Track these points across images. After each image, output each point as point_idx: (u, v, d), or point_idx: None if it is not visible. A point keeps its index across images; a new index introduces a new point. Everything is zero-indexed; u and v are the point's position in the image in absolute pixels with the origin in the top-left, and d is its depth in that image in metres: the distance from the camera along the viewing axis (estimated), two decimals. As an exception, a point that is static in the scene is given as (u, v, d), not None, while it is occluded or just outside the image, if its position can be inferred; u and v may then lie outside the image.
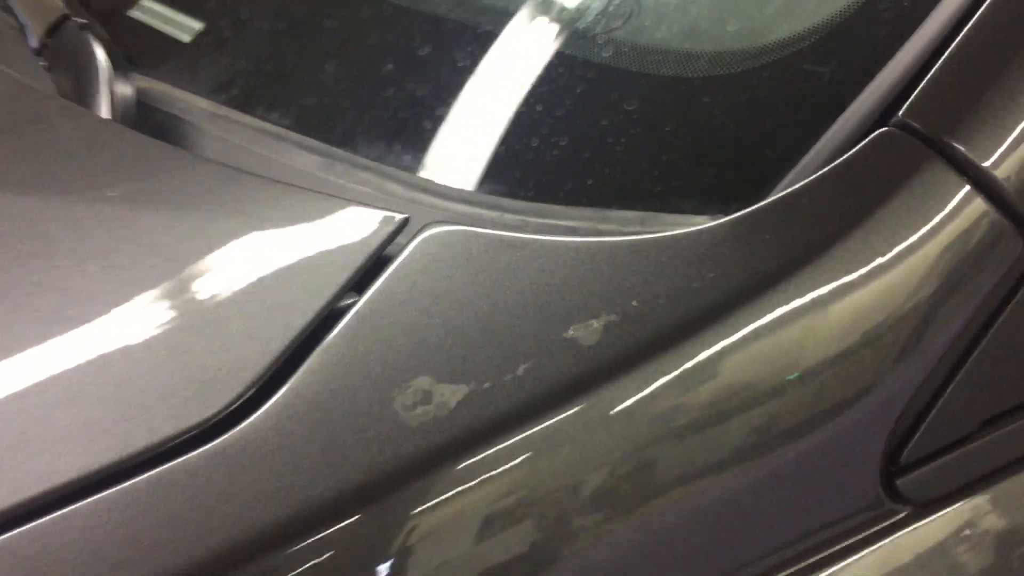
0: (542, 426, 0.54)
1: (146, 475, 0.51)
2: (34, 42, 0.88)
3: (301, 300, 0.57)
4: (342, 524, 0.51)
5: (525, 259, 0.58)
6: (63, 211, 0.65)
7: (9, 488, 0.50)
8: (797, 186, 0.60)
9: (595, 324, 0.56)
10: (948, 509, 0.65)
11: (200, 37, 0.91)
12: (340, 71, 0.81)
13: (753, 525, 0.59)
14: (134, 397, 0.53)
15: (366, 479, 0.51)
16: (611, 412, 0.55)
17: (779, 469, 0.58)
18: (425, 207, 0.68)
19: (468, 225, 0.60)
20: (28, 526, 0.49)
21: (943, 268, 0.60)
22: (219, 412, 0.52)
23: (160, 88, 0.85)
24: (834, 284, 0.58)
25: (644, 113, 0.69)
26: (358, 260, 0.58)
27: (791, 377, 0.57)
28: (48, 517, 0.49)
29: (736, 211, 0.60)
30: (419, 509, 0.52)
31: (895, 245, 0.59)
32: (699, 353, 0.56)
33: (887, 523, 0.63)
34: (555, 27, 0.76)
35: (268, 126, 0.79)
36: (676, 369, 0.56)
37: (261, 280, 0.59)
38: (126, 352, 0.56)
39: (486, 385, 0.54)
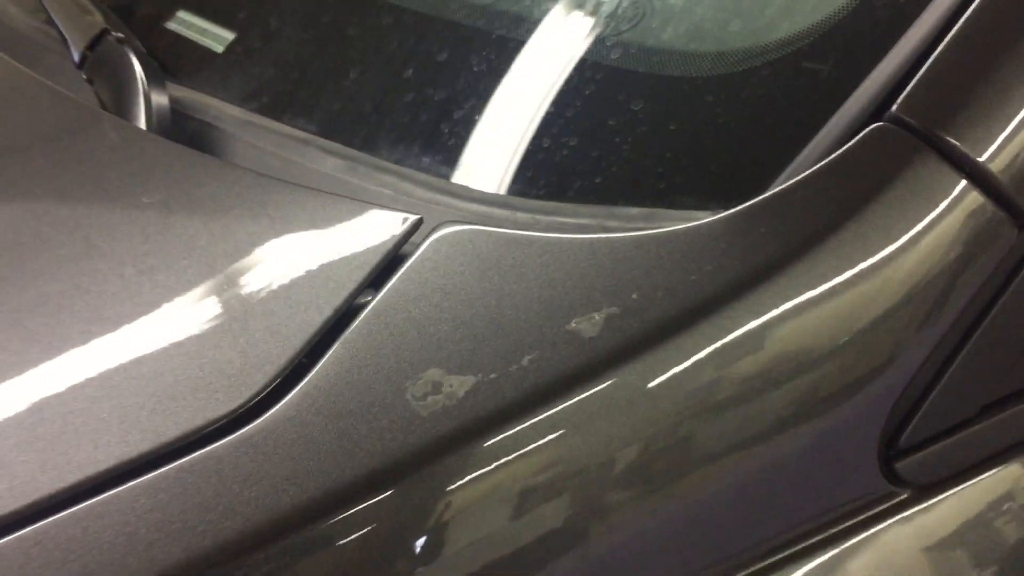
0: (546, 414, 0.57)
1: (177, 463, 0.55)
2: (76, 56, 0.92)
3: (321, 298, 0.60)
4: (357, 508, 0.54)
5: (531, 256, 0.61)
6: (102, 217, 0.70)
7: (55, 475, 0.55)
8: (792, 181, 0.62)
9: (596, 317, 0.59)
10: (948, 492, 0.67)
11: (231, 47, 0.95)
12: (362, 78, 0.85)
13: (750, 512, 0.62)
14: (166, 390, 0.57)
15: (379, 465, 0.55)
16: (612, 401, 0.58)
17: (777, 457, 0.61)
18: (442, 207, 0.72)
19: (482, 223, 0.63)
20: (71, 510, 0.53)
21: (938, 258, 0.61)
22: (244, 404, 0.56)
23: (193, 97, 0.89)
24: (829, 275, 0.60)
25: (649, 113, 0.71)
26: (374, 259, 0.62)
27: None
28: (88, 502, 0.53)
29: (736, 206, 0.62)
30: (429, 494, 0.55)
31: (889, 236, 0.61)
32: (696, 344, 0.59)
33: (887, 505, 0.65)
34: (566, 32, 0.78)
35: (295, 131, 0.83)
36: (674, 360, 0.58)
37: (284, 279, 0.63)
38: (159, 348, 0.60)
39: (492, 376, 0.57)
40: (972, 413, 0.67)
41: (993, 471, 0.68)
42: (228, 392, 0.57)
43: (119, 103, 0.85)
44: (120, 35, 0.90)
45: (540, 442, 0.57)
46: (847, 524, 0.64)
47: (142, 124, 0.82)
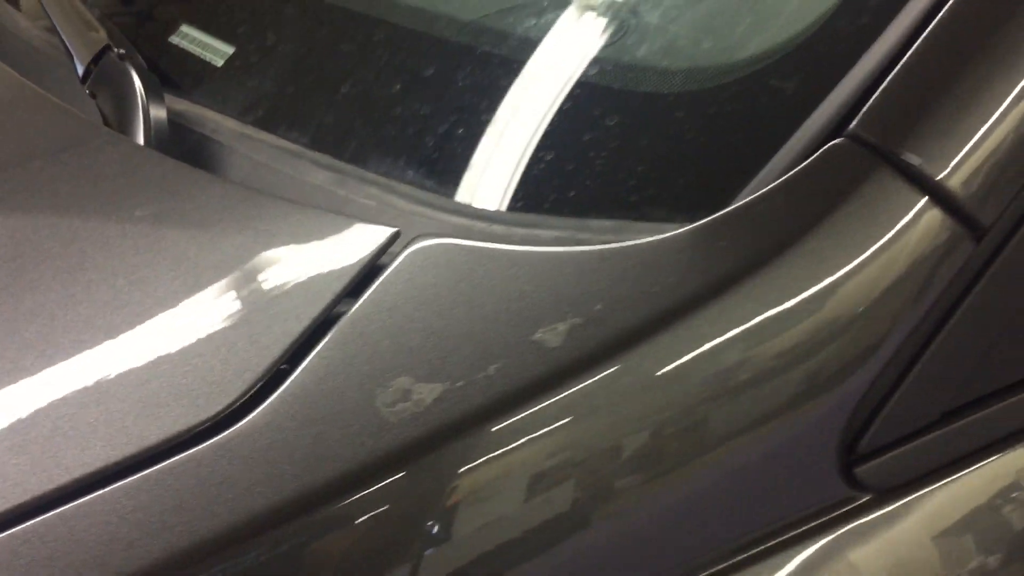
0: (510, 421, 0.59)
1: (159, 466, 0.58)
2: (80, 70, 0.96)
3: (300, 308, 0.63)
4: (328, 509, 0.57)
5: (501, 268, 0.64)
6: (97, 230, 0.73)
7: (43, 477, 0.58)
8: (753, 196, 0.64)
9: (560, 327, 0.61)
10: (909, 497, 0.69)
11: (230, 61, 0.99)
12: (352, 92, 0.88)
13: (708, 519, 0.64)
14: (151, 397, 0.60)
15: (350, 469, 0.58)
16: (575, 409, 0.60)
17: (736, 463, 0.63)
18: (424, 219, 0.74)
19: (459, 235, 0.66)
20: (58, 510, 0.57)
21: (897, 270, 0.63)
22: (223, 410, 0.59)
23: (192, 109, 0.93)
24: (789, 287, 0.63)
25: (623, 128, 0.74)
26: (352, 272, 0.64)
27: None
28: (75, 503, 0.57)
29: (700, 220, 0.65)
30: (397, 498, 0.58)
31: (847, 249, 0.63)
32: (657, 353, 0.61)
33: (847, 509, 0.67)
34: (547, 50, 0.81)
35: (288, 144, 0.86)
36: (635, 368, 0.61)
37: (267, 290, 0.66)
38: (146, 356, 0.63)
39: (460, 383, 0.60)
40: (933, 419, 0.69)
41: (954, 476, 0.70)
42: (209, 399, 0.60)
43: (120, 118, 0.89)
44: (122, 51, 0.94)
45: (505, 448, 0.59)
46: (806, 528, 0.66)
47: (140, 138, 0.85)
